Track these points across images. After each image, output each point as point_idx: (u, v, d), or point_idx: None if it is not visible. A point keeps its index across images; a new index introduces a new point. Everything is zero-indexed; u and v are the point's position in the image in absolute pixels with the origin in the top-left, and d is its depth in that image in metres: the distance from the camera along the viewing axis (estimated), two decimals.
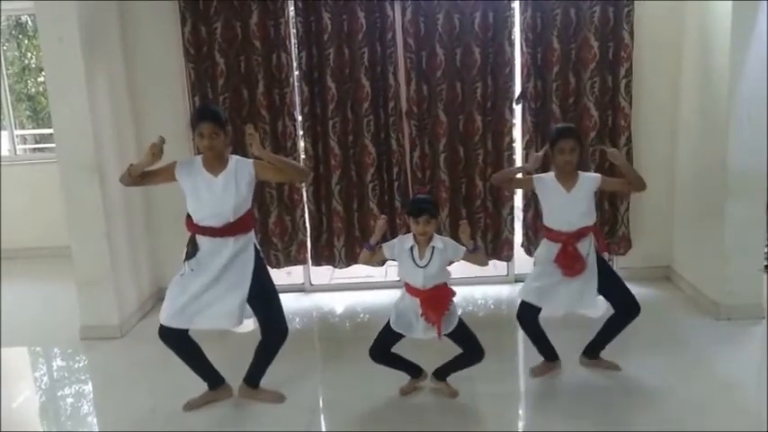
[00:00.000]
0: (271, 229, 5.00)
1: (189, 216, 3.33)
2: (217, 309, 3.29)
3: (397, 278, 3.34)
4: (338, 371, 3.93)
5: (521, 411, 3.54)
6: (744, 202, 4.17)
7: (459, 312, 3.34)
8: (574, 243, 3.44)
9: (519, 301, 3.63)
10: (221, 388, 3.56)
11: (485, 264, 3.40)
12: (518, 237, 5.07)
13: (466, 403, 3.47)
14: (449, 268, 3.29)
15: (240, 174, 3.30)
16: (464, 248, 3.23)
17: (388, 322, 3.32)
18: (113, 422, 3.58)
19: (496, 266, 5.25)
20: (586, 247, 3.49)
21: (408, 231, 3.28)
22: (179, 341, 3.40)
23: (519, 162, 5.00)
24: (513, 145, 4.89)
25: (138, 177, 3.31)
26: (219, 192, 3.26)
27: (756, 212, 4.22)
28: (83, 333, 4.53)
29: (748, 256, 4.25)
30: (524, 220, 4.98)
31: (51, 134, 5.29)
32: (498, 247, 5.02)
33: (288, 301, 5.01)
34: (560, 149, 3.42)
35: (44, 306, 5.24)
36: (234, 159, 3.35)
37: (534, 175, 3.64)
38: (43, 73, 7.41)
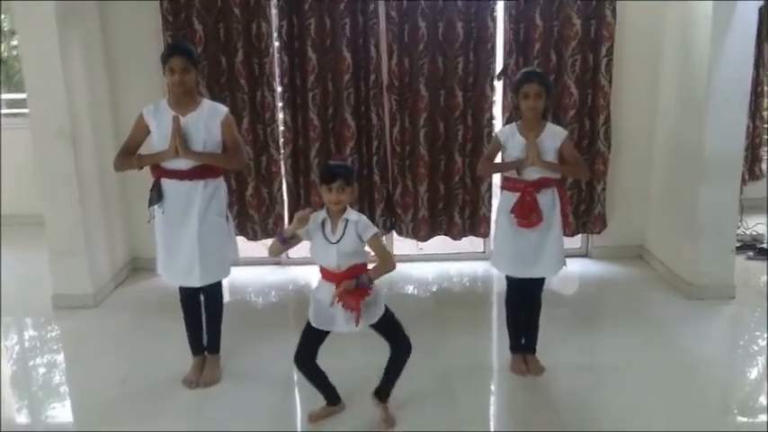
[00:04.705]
0: (248, 201, 4.96)
1: None
2: (207, 263, 3.30)
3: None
4: None
5: (493, 387, 3.58)
6: (718, 183, 4.21)
7: (386, 305, 2.98)
8: (532, 193, 3.24)
9: (504, 279, 3.52)
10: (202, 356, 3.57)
11: (390, 268, 2.90)
12: (495, 214, 5.09)
13: (440, 378, 3.50)
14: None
15: (210, 116, 3.26)
16: (376, 230, 2.83)
17: (309, 321, 2.96)
18: (86, 392, 3.55)
19: (473, 243, 5.28)
20: (548, 203, 3.29)
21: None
22: (189, 300, 3.47)
23: None
24: (494, 122, 4.87)
25: (134, 162, 3.30)
26: (187, 132, 3.19)
27: (730, 194, 4.27)
28: (55, 302, 4.48)
29: (721, 238, 4.30)
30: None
31: (25, 99, 5.18)
32: (475, 224, 5.04)
33: (264, 275, 5.05)
34: (524, 94, 3.20)
35: (16, 274, 5.17)
36: (207, 102, 3.31)
37: (498, 131, 3.53)
38: (17, 36, 7.24)
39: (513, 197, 3.31)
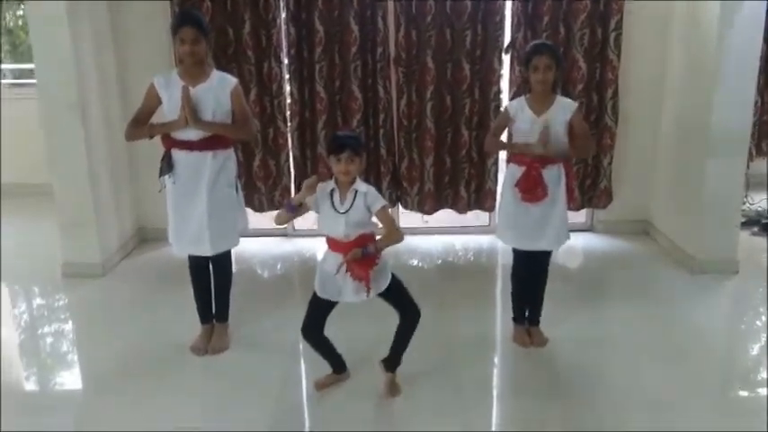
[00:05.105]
0: (255, 173, 4.97)
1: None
2: (216, 233, 3.33)
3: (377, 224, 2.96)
4: None
5: (496, 358, 3.62)
6: (725, 158, 4.21)
7: (392, 273, 2.98)
8: (538, 168, 3.23)
9: (509, 251, 3.53)
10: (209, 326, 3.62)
11: (398, 239, 2.92)
12: (501, 187, 5.09)
13: (444, 349, 3.54)
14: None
15: (220, 87, 3.27)
16: (384, 202, 2.86)
17: (315, 292, 2.97)
18: (94, 360, 3.60)
19: (478, 216, 5.29)
20: (553, 178, 3.28)
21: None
22: (198, 269, 3.51)
23: None
24: (501, 95, 4.86)
25: (146, 132, 3.31)
26: (197, 102, 3.21)
27: (736, 169, 4.28)
28: (64, 270, 4.53)
29: (726, 213, 4.32)
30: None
31: (31, 70, 5.17)
32: (481, 198, 5.05)
33: (270, 246, 5.08)
34: (534, 67, 3.17)
35: (23, 243, 5.22)
36: (217, 73, 3.32)
37: (507, 104, 3.51)
38: (22, 6, 7.20)
39: (519, 171, 3.32)
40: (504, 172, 3.55)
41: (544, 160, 3.26)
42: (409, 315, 3.03)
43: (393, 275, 2.98)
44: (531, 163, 3.26)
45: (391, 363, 3.12)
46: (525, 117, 3.29)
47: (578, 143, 3.34)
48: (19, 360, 3.66)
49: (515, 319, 3.63)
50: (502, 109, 4.79)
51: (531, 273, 3.52)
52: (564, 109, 3.27)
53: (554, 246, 3.43)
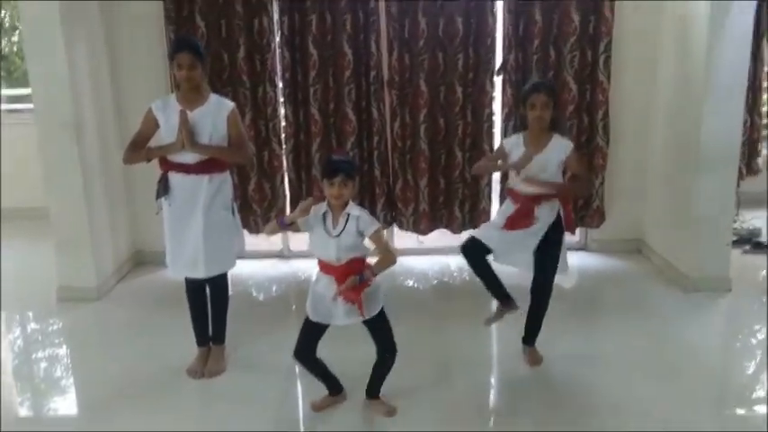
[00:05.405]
0: (250, 195, 5.00)
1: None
2: (211, 256, 3.36)
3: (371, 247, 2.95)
4: None
5: (492, 380, 3.63)
6: (715, 177, 4.26)
7: (384, 302, 3.00)
8: (529, 205, 3.28)
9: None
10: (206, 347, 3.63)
11: (392, 262, 2.91)
12: (495, 208, 5.13)
13: (440, 368, 3.55)
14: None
15: (217, 111, 3.31)
16: (377, 225, 2.86)
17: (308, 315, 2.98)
18: (90, 384, 3.59)
19: None
20: (545, 215, 3.31)
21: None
22: (194, 292, 3.53)
23: (497, 136, 5.01)
24: (493, 117, 4.91)
25: (143, 155, 3.34)
26: (194, 126, 3.24)
27: (726, 188, 4.32)
28: (60, 294, 4.52)
29: (717, 231, 4.36)
30: (502, 191, 5.03)
31: (26, 95, 5.20)
32: (475, 218, 5.08)
33: (265, 268, 5.09)
34: (531, 105, 3.21)
35: (20, 268, 5.21)
36: (214, 97, 3.36)
37: (504, 140, 3.58)
38: (17, 32, 7.26)
39: (513, 207, 3.37)
40: (505, 202, 3.56)
41: (536, 199, 3.29)
42: (386, 351, 3.03)
43: (382, 310, 2.97)
44: (525, 202, 3.30)
45: (372, 391, 3.16)
46: (519, 154, 3.30)
47: (577, 181, 3.39)
48: (13, 385, 3.64)
49: (500, 300, 3.58)
50: (494, 129, 4.87)
51: (532, 296, 3.53)
52: (559, 149, 3.30)
53: (512, 264, 3.46)
